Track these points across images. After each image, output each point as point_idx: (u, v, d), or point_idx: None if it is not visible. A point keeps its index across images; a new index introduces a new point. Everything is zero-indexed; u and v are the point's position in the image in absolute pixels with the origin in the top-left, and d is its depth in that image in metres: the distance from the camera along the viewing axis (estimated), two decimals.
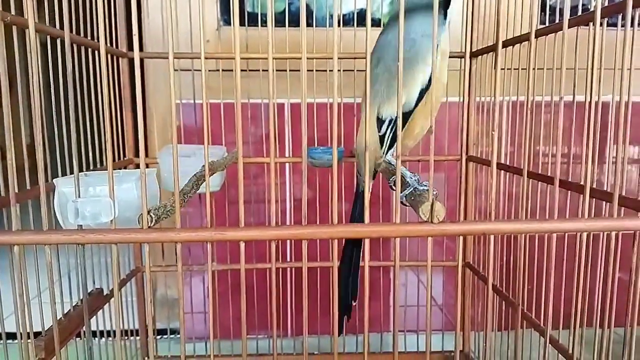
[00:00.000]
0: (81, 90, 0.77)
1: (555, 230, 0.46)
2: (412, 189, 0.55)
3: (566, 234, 0.48)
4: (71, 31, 0.45)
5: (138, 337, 1.00)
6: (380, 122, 0.67)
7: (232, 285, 1.12)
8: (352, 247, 0.70)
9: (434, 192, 0.46)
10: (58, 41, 0.69)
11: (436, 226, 0.44)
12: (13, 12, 0.58)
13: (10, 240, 0.43)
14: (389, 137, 0.67)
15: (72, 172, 0.72)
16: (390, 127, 0.66)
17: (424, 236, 0.45)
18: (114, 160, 0.42)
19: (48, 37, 0.68)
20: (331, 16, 1.12)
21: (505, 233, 0.46)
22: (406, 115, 0.65)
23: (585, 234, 0.51)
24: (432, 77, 0.62)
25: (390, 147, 0.67)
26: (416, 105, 0.65)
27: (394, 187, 0.54)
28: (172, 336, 1.19)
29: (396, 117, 0.62)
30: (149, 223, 0.43)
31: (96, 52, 0.80)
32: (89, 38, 0.79)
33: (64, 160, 0.71)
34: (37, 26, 0.45)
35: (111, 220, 0.43)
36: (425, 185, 0.58)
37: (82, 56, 0.77)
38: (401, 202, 0.54)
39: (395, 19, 0.64)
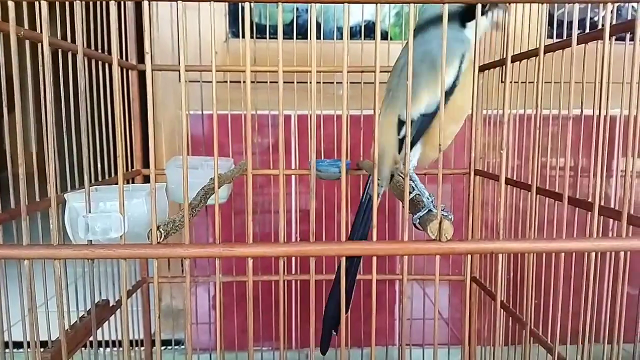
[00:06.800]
0: (91, 102, 0.78)
1: (563, 249, 0.46)
2: (426, 210, 0.53)
3: None
4: (82, 45, 0.45)
5: (143, 348, 1.00)
6: (400, 124, 0.61)
7: (237, 296, 1.12)
8: (353, 259, 0.68)
9: (443, 209, 0.46)
10: (69, 53, 0.69)
11: (444, 244, 0.44)
12: (26, 25, 0.59)
13: (21, 254, 0.43)
14: (411, 136, 0.60)
15: (80, 183, 0.73)
16: (413, 127, 0.60)
17: (432, 254, 0.45)
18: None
19: (59, 50, 0.69)
20: (338, 29, 1.13)
21: (513, 252, 0.46)
22: (428, 119, 0.60)
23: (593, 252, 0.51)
24: (457, 81, 0.61)
25: (411, 147, 0.61)
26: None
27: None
28: (176, 347, 1.19)
29: (416, 119, 0.58)
30: (158, 239, 0.43)
31: (107, 65, 0.81)
32: (99, 50, 0.80)
33: (73, 170, 0.71)
34: (49, 40, 0.46)
35: (121, 236, 0.43)
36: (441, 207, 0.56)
37: (92, 68, 0.78)
38: (414, 225, 0.53)
39: (420, 31, 0.63)
